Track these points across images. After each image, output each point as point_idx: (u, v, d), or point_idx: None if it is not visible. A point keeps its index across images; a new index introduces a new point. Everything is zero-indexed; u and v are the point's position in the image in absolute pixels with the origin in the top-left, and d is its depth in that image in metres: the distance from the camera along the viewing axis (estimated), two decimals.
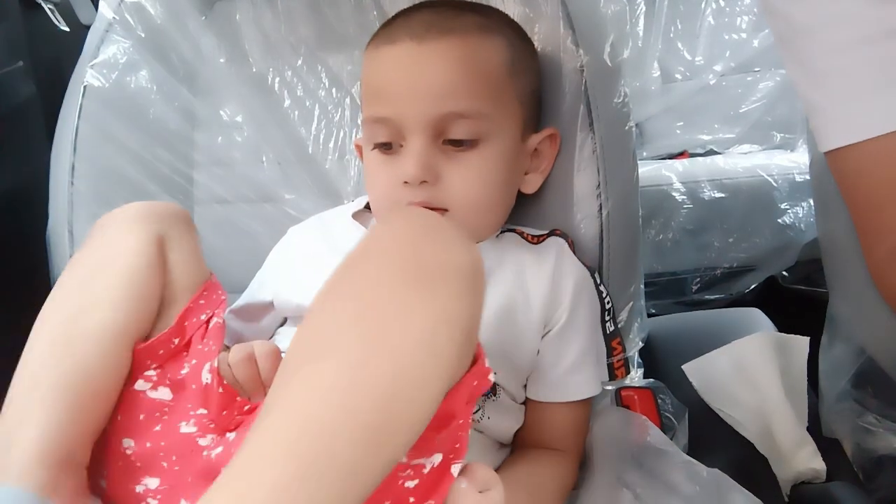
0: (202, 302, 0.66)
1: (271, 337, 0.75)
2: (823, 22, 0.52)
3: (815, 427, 0.73)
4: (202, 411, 0.61)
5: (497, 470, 0.65)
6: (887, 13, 0.49)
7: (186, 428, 0.60)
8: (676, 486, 0.60)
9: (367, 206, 0.78)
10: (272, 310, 0.76)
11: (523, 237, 0.73)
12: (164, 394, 0.61)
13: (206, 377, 0.61)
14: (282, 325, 0.76)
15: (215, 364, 0.61)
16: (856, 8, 0.50)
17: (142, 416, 0.60)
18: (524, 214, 0.77)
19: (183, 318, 0.64)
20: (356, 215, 0.77)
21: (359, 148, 0.79)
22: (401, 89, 0.67)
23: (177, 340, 0.63)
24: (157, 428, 0.59)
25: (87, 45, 0.92)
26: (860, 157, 0.51)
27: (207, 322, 0.66)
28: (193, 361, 0.63)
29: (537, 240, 0.73)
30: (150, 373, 0.61)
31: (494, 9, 0.76)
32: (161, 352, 0.62)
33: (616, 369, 0.73)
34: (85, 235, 0.66)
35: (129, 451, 0.58)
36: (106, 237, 0.64)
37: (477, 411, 0.65)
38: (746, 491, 0.59)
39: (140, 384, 0.60)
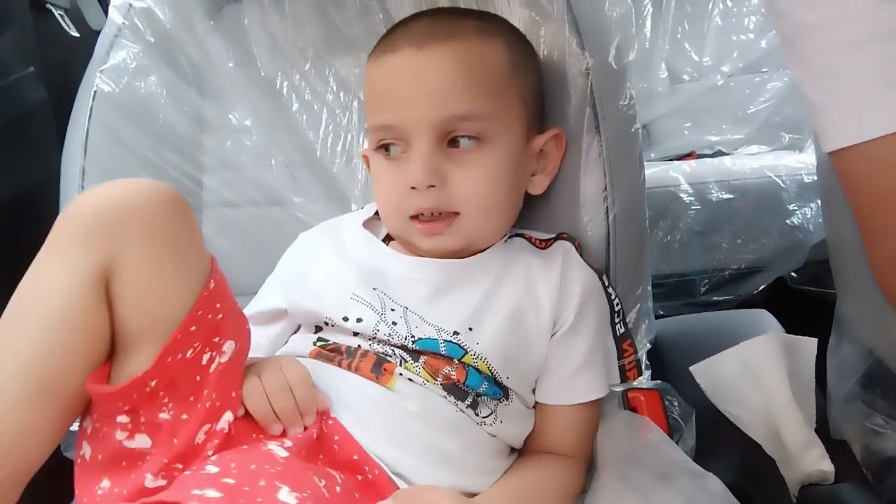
0: (193, 328, 0.55)
1: (285, 343, 0.75)
2: (828, 22, 0.52)
3: (823, 428, 0.73)
4: (178, 465, 0.56)
5: (503, 475, 0.66)
6: (892, 13, 0.49)
7: (153, 482, 0.55)
8: (678, 487, 0.60)
9: (377, 214, 0.78)
10: (286, 316, 0.76)
11: (531, 242, 0.74)
12: (142, 441, 0.55)
13: (225, 424, 0.57)
14: (295, 331, 0.76)
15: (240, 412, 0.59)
16: (860, 8, 0.50)
17: (124, 463, 0.56)
18: (531, 217, 0.78)
19: (165, 356, 0.54)
20: (366, 224, 0.78)
21: (365, 158, 0.79)
22: (403, 95, 0.67)
23: (154, 382, 0.54)
24: (132, 476, 0.55)
25: (96, 51, 0.92)
26: (864, 157, 0.51)
27: (200, 360, 0.56)
28: (184, 416, 0.55)
29: (545, 244, 0.73)
30: (123, 419, 0.55)
31: (491, 13, 0.77)
32: (134, 395, 0.54)
33: (627, 371, 0.73)
34: None
35: (100, 492, 0.55)
36: (39, 263, 0.55)
37: (489, 415, 0.66)
38: (734, 498, 0.59)
39: (119, 433, 0.55)
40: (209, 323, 0.57)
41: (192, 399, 0.56)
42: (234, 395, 0.59)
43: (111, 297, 0.54)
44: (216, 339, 0.57)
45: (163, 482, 0.55)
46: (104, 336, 0.55)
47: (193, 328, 0.55)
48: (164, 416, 0.55)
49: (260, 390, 0.60)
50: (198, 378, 0.56)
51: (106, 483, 0.56)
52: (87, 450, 0.57)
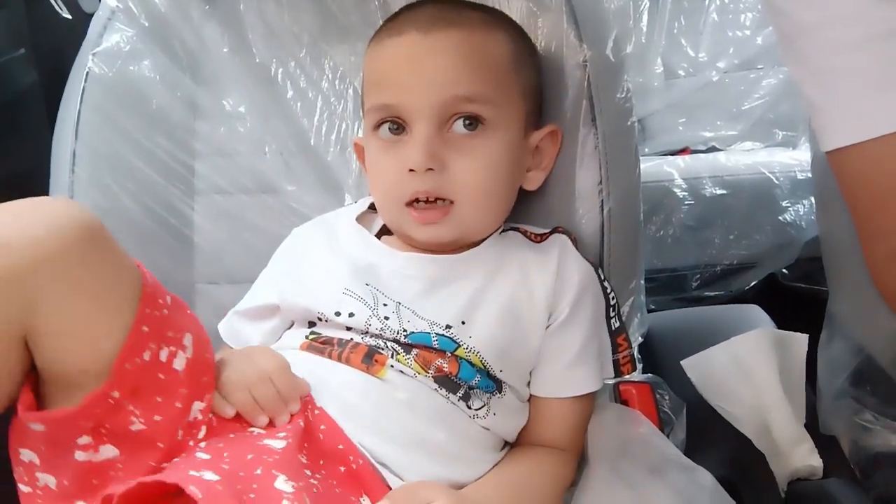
0: (146, 329, 0.53)
1: (278, 339, 0.74)
2: (827, 21, 0.52)
3: (812, 424, 0.73)
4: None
5: (494, 466, 0.66)
6: (891, 13, 0.49)
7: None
8: (669, 480, 0.60)
9: (372, 207, 0.78)
10: (279, 312, 0.75)
11: (526, 236, 0.74)
12: (108, 452, 0.53)
13: (197, 413, 0.56)
14: (289, 327, 0.75)
15: (229, 412, 0.59)
16: (860, 7, 0.50)
17: (95, 481, 0.54)
18: (526, 210, 0.77)
19: (121, 363, 0.52)
20: (360, 218, 0.77)
21: (358, 149, 0.79)
22: (406, 78, 0.67)
23: (117, 393, 0.52)
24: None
25: (89, 34, 0.91)
26: (862, 157, 0.51)
27: (159, 359, 0.54)
28: (157, 417, 0.54)
29: (540, 238, 0.73)
30: (85, 439, 0.53)
31: (495, 8, 0.77)
32: (98, 411, 0.52)
33: (622, 365, 0.73)
34: None
35: None
36: None
37: (481, 408, 0.66)
38: (724, 492, 0.60)
39: (80, 455, 0.53)
40: (158, 319, 0.54)
41: (159, 399, 0.54)
42: (205, 379, 0.57)
43: (31, 342, 0.51)
44: (171, 334, 0.55)
45: None
46: (18, 381, 0.52)
47: (145, 328, 0.53)
48: (136, 426, 0.53)
49: (240, 383, 0.60)
50: (161, 376, 0.54)
51: None
52: (48, 480, 0.54)
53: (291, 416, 0.60)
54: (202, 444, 0.56)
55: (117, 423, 0.53)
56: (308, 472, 0.55)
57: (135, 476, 0.52)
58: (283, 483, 0.50)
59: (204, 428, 0.57)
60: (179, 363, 0.55)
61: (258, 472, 0.51)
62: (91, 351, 0.51)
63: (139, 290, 0.54)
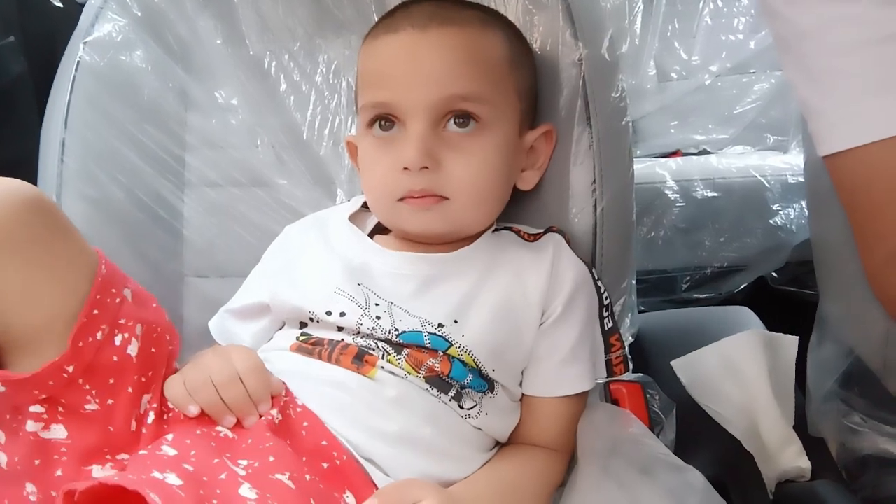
0: (96, 312, 0.56)
1: (269, 340, 0.74)
2: (825, 25, 0.52)
3: (801, 426, 0.74)
4: (124, 456, 0.57)
5: (484, 465, 0.65)
6: (889, 16, 0.49)
7: (101, 472, 0.55)
8: (659, 480, 0.60)
9: (364, 206, 0.77)
10: (269, 311, 0.75)
11: (520, 235, 0.73)
12: (58, 432, 0.56)
13: (146, 405, 0.59)
14: (280, 328, 0.74)
15: (193, 410, 0.59)
16: (858, 11, 0.50)
17: (37, 462, 0.55)
18: (520, 207, 0.77)
19: (77, 340, 0.55)
20: (353, 217, 0.77)
21: (350, 147, 0.78)
22: (402, 74, 0.67)
23: (71, 368, 0.55)
24: (59, 473, 0.55)
25: (81, 22, 0.90)
26: (860, 161, 0.51)
27: (113, 342, 0.57)
28: (110, 402, 0.57)
29: (534, 238, 0.73)
30: (38, 409, 0.55)
31: (491, 9, 0.76)
32: (51, 382, 0.55)
33: (615, 366, 0.73)
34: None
35: (32, 498, 0.54)
36: None
37: (473, 407, 0.65)
38: (715, 492, 0.60)
39: (31, 425, 0.55)
40: (110, 307, 0.58)
41: (112, 381, 0.57)
42: (151, 373, 0.60)
43: None
44: (122, 321, 0.58)
45: (111, 472, 0.55)
46: None
47: (96, 311, 0.57)
48: (90, 406, 0.56)
49: (208, 383, 0.59)
50: (115, 359, 0.58)
51: (31, 487, 0.54)
52: (1, 458, 0.55)
53: (261, 415, 0.60)
54: (168, 438, 0.56)
55: (72, 401, 0.56)
56: (286, 473, 0.54)
57: (77, 462, 0.54)
58: (247, 490, 0.50)
59: (152, 414, 0.59)
60: (133, 349, 0.58)
61: (223, 476, 0.51)
62: (44, 317, 0.55)
63: (94, 269, 0.58)
